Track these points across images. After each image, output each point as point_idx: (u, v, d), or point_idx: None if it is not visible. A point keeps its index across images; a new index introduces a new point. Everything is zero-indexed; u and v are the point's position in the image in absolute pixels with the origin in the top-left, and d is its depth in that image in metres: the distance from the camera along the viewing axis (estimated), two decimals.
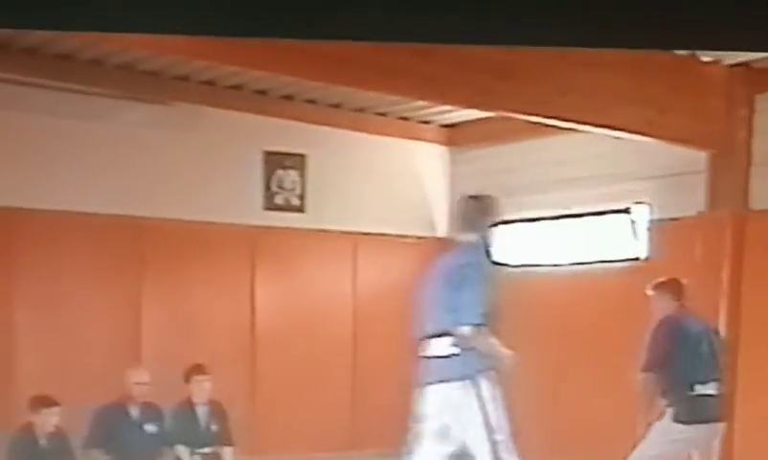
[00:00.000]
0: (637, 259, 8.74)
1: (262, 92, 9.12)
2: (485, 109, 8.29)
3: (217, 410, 8.61)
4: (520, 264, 9.48)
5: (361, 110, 9.66)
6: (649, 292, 7.01)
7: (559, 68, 6.87)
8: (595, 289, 8.98)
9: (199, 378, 8.54)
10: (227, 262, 9.43)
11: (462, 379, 5.76)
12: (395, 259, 10.02)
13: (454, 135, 10.27)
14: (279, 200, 9.67)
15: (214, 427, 8.59)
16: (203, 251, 9.28)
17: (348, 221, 9.53)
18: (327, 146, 9.71)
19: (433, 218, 10.42)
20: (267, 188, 9.64)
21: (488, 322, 5.77)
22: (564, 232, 9.24)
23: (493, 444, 5.72)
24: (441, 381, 5.81)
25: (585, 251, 9.11)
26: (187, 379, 8.55)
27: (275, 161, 9.65)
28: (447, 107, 9.32)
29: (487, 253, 5.99)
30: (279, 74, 7.96)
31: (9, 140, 8.23)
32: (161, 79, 8.65)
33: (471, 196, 6.29)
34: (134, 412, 8.34)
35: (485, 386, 5.76)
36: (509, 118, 7.99)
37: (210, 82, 8.84)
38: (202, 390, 8.56)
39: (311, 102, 9.37)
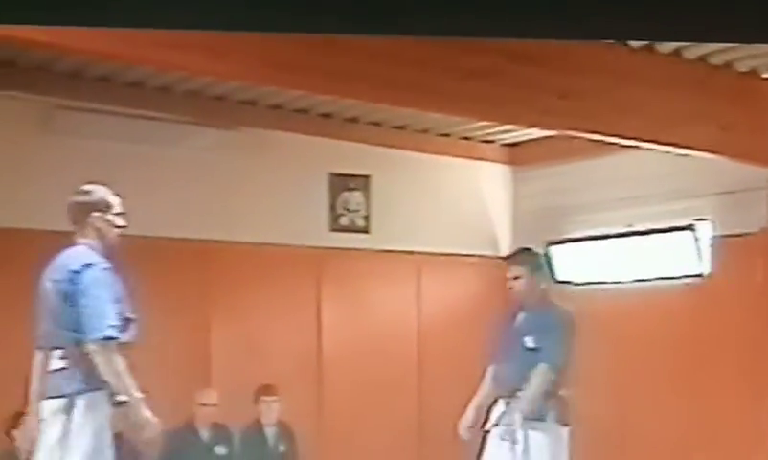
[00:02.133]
0: (700, 275, 8.69)
1: (328, 115, 9.16)
2: (548, 128, 8.31)
3: (285, 431, 8.69)
4: (584, 281, 9.48)
5: (425, 131, 9.68)
6: (515, 271, 6.57)
7: (622, 87, 6.82)
8: (658, 306, 8.93)
9: (267, 399, 8.62)
10: (293, 283, 9.46)
11: (60, 396, 5.03)
12: (458, 278, 10.00)
13: (516, 154, 10.25)
14: (344, 222, 9.72)
15: (282, 448, 8.66)
16: (270, 273, 9.31)
17: (412, 242, 9.53)
18: (391, 167, 9.74)
19: (496, 236, 10.41)
20: (332, 209, 9.68)
21: (119, 336, 5.04)
22: (627, 249, 9.19)
23: None
24: (47, 398, 5.09)
25: (648, 268, 9.06)
26: (255, 400, 8.62)
27: (340, 183, 9.70)
28: (510, 127, 9.30)
29: (106, 254, 5.27)
30: (344, 97, 7.97)
31: (81, 166, 8.26)
32: (228, 104, 8.70)
33: (77, 191, 5.46)
34: (204, 434, 8.45)
35: (83, 408, 5.02)
36: (572, 137, 7.94)
37: (276, 107, 8.87)
38: (270, 411, 8.65)
39: (376, 124, 9.39)
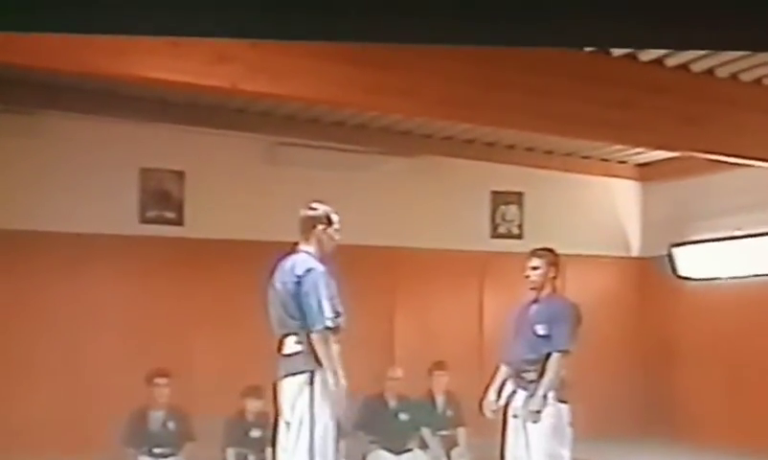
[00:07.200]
0: None
1: (490, 144, 9.26)
2: (673, 150, 8.27)
3: (452, 399, 8.79)
4: (703, 277, 9.51)
5: (569, 155, 9.74)
6: (535, 262, 6.08)
7: (734, 114, 6.75)
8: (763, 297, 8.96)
9: (438, 373, 8.75)
10: (461, 280, 9.70)
11: (300, 373, 5.24)
12: (597, 275, 10.00)
13: (646, 172, 10.24)
14: (502, 230, 9.93)
15: (449, 413, 8.77)
16: (442, 272, 9.55)
17: (558, 245, 9.39)
18: (541, 185, 9.88)
19: (628, 241, 10.47)
20: (493, 220, 9.91)
21: (334, 325, 5.22)
22: (739, 249, 9.16)
23: (311, 435, 5.20)
24: (287, 376, 5.31)
25: (757, 265, 9.03)
26: (429, 374, 8.75)
27: (499, 198, 9.93)
28: (641, 150, 9.29)
29: (323, 259, 5.40)
30: (504, 128, 7.98)
31: (296, 189, 8.49)
32: (411, 137, 8.87)
33: (308, 206, 5.56)
34: (392, 403, 8.59)
35: (320, 382, 5.21)
36: (693, 157, 7.88)
37: (448, 138, 9.02)
38: (441, 383, 8.75)
39: (529, 149, 9.49)
